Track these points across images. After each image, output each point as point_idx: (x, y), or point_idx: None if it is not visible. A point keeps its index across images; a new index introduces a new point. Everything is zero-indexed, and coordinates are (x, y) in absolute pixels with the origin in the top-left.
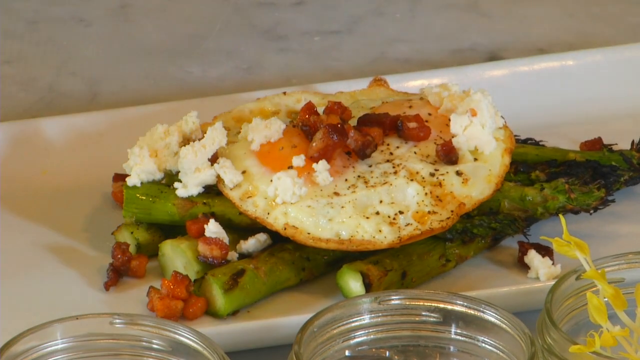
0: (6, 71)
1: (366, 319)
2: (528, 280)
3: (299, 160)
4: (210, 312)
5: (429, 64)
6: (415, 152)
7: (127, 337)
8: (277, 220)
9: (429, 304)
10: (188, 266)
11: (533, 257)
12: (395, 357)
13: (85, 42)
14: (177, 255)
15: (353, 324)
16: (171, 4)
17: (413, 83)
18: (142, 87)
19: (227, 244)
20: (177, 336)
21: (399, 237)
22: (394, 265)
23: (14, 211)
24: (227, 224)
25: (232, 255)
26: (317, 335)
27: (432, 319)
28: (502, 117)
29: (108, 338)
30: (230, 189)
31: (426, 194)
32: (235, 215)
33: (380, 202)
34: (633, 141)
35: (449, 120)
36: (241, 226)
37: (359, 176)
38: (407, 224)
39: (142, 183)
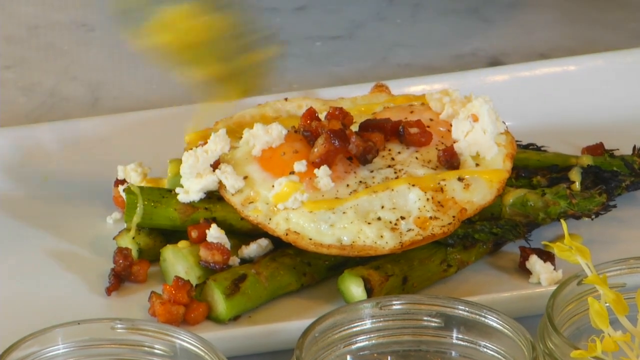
0: (7, 76)
1: (367, 324)
2: (529, 285)
3: (300, 166)
4: (212, 317)
5: (430, 69)
6: (416, 158)
7: (128, 342)
8: (278, 226)
9: (430, 309)
10: (189, 271)
11: (534, 262)
12: None
13: (87, 47)
14: (178, 261)
15: (354, 329)
16: None
17: (414, 88)
18: (143, 92)
19: (229, 249)
20: (178, 341)
21: (400, 242)
22: (395, 270)
23: (15, 216)
24: (228, 230)
25: (234, 260)
26: (319, 340)
27: (433, 324)
28: (503, 122)
29: (109, 343)
30: (232, 195)
31: (428, 199)
32: (237, 221)
33: (382, 207)
34: (635, 146)
35: (451, 125)
36: (242, 231)
37: (360, 181)
38: (409, 230)
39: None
